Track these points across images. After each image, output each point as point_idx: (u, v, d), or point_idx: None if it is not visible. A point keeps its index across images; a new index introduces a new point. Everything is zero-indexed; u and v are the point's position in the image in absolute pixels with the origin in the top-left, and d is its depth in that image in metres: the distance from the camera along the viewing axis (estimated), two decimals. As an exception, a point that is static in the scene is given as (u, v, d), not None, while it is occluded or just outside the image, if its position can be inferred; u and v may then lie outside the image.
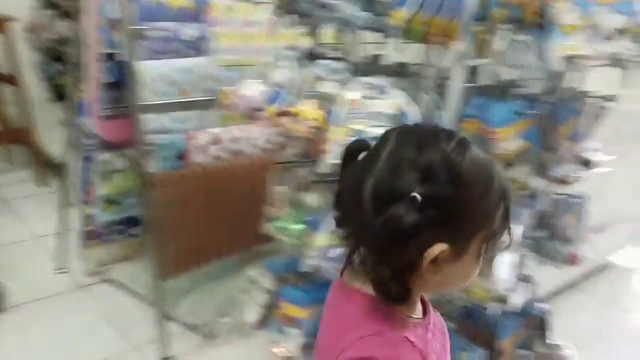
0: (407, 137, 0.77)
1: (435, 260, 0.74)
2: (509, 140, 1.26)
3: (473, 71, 1.32)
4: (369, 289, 0.78)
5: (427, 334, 0.82)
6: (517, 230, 1.37)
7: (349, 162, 0.82)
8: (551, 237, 1.66)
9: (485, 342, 1.63)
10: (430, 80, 1.35)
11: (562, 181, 1.42)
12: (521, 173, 1.36)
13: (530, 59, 1.19)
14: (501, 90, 1.33)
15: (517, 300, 1.39)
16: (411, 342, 0.77)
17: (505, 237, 0.80)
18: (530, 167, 1.38)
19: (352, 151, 0.82)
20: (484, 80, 1.29)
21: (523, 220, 1.48)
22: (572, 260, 1.67)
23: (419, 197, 0.70)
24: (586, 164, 1.55)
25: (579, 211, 1.66)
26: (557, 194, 1.62)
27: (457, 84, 1.30)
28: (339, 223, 0.83)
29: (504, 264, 1.37)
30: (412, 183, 0.72)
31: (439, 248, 0.73)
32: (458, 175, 0.73)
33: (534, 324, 1.73)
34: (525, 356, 1.67)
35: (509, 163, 1.26)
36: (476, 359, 1.57)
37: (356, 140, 0.84)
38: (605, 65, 1.30)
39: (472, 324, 1.62)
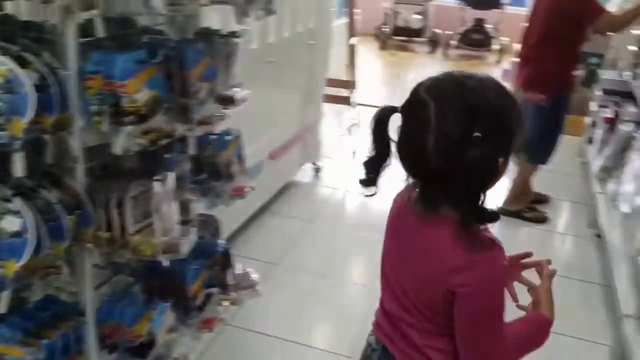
0: (439, 92, 0.99)
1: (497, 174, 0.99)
2: (137, 92, 1.23)
3: (88, 25, 1.23)
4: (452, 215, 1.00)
5: None
6: (171, 178, 1.37)
7: (382, 126, 1.06)
8: (216, 177, 1.71)
9: (175, 292, 1.65)
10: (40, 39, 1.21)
11: (206, 122, 1.45)
12: (162, 122, 1.35)
13: (137, 6, 1.15)
14: (121, 41, 1.28)
15: (186, 246, 1.42)
16: (498, 242, 1.02)
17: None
18: (171, 114, 1.38)
19: (383, 116, 1.06)
20: (100, 32, 1.21)
21: (179, 167, 1.49)
22: (239, 193, 1.76)
23: (480, 134, 0.93)
24: (229, 101, 1.61)
25: (235, 146, 1.74)
26: (211, 134, 1.67)
27: (70, 41, 1.20)
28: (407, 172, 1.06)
29: (165, 214, 1.37)
30: (469, 127, 0.94)
31: (501, 163, 0.98)
32: (494, 107, 0.97)
33: (219, 261, 1.80)
34: (215, 293, 1.74)
35: (141, 115, 1.23)
36: (167, 311, 1.57)
37: (385, 107, 1.06)
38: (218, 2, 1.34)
39: (157, 280, 1.61)
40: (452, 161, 0.95)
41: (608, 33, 3.34)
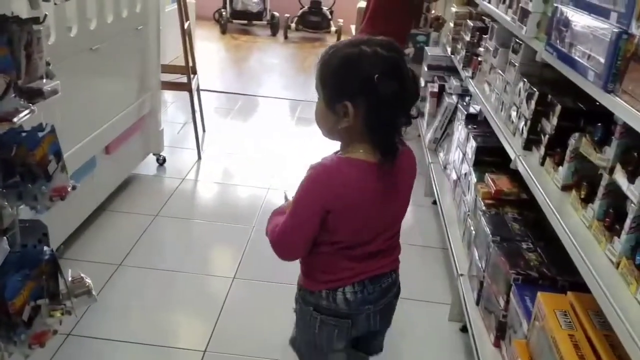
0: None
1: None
2: None
3: None
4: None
5: None
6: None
7: None
8: (30, 179, 1.54)
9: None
10: None
11: (6, 119, 1.30)
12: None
13: None
14: None
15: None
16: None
17: None
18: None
19: None
20: None
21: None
22: (59, 194, 1.61)
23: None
24: (36, 94, 1.46)
25: (50, 143, 1.58)
26: (20, 131, 1.51)
27: None
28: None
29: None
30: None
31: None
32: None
33: (45, 270, 1.64)
34: (42, 304, 1.58)
35: None
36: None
37: None
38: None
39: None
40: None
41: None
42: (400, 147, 1.29)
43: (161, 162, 3.77)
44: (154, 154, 3.72)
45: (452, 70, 3.66)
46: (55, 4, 1.35)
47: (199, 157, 3.95)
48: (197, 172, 3.82)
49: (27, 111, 1.39)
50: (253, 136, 4.55)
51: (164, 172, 3.74)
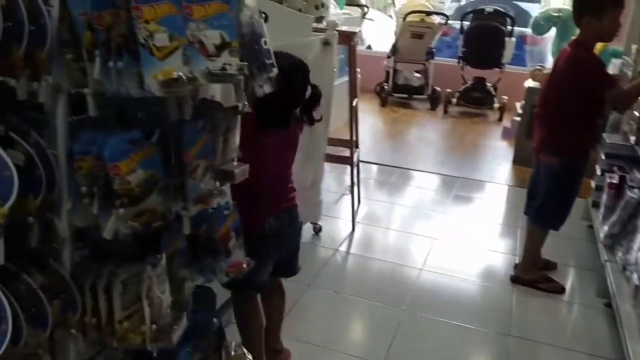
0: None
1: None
2: (131, 172, 1.17)
3: (79, 102, 1.18)
4: None
5: None
6: (163, 260, 1.29)
7: None
8: (212, 253, 1.63)
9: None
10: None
11: (202, 201, 1.38)
12: (157, 202, 1.28)
13: (131, 86, 1.10)
14: (114, 120, 1.22)
15: (177, 334, 1.32)
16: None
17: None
18: (165, 194, 1.31)
19: None
20: (92, 111, 1.16)
21: (173, 246, 1.42)
22: (236, 269, 1.67)
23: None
24: (228, 176, 1.55)
25: (232, 220, 1.66)
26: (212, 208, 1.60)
27: (60, 120, 1.15)
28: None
29: (156, 299, 1.29)
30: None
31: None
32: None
33: (212, 340, 1.70)
34: (207, 377, 1.63)
35: (134, 196, 1.16)
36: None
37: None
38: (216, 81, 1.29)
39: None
40: None
41: (620, 107, 3.19)
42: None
43: (317, 230, 3.85)
44: (311, 223, 3.82)
45: (635, 162, 3.35)
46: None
47: (353, 229, 3.97)
48: (350, 243, 3.83)
49: (219, 192, 1.48)
50: (407, 211, 4.51)
51: (319, 241, 3.81)
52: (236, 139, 1.58)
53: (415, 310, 3.02)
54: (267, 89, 1.42)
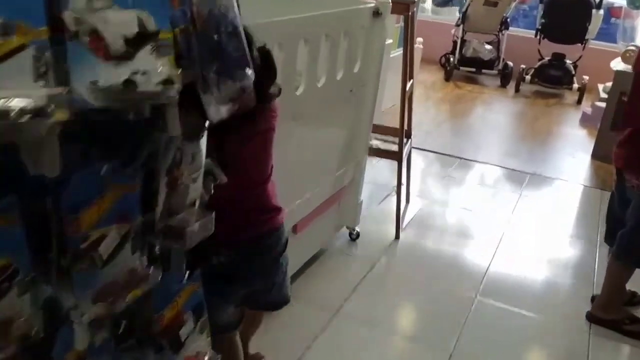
0: None
1: None
2: None
3: None
4: None
5: None
6: None
7: None
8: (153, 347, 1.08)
9: None
10: None
11: (112, 293, 0.82)
12: (18, 308, 0.73)
13: None
14: None
15: None
16: None
17: None
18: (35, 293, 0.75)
19: None
20: None
21: None
22: None
23: None
24: (176, 236, 0.98)
25: (189, 297, 1.10)
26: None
27: None
28: None
29: None
30: None
31: None
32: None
33: None
34: None
35: None
36: None
37: None
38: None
39: None
40: None
41: None
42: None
43: (354, 237, 3.26)
44: (347, 227, 3.23)
45: None
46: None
47: (397, 236, 3.35)
48: (392, 255, 3.23)
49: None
50: (463, 215, 3.82)
51: (355, 249, 3.22)
52: (195, 177, 1.00)
53: (469, 348, 2.43)
54: (228, 110, 0.83)
